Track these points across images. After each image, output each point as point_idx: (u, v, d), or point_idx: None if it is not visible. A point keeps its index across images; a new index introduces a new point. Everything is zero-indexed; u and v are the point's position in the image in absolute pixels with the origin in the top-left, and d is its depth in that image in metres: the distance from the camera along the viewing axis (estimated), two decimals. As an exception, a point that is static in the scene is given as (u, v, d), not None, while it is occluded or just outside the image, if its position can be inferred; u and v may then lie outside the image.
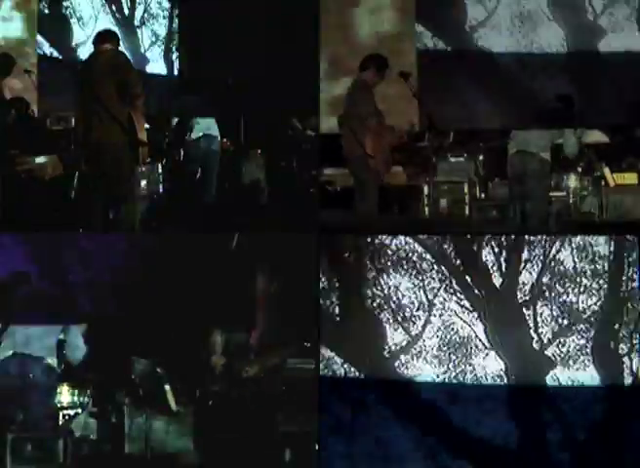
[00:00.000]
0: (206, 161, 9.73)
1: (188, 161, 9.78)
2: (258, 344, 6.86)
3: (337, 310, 7.94)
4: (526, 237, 8.00)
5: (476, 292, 7.91)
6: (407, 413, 7.68)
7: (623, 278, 7.78)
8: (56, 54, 11.63)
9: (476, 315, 7.87)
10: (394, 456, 7.60)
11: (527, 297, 7.88)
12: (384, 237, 7.92)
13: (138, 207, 8.38)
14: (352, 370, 7.80)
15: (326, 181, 9.89)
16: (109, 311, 7.72)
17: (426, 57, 11.23)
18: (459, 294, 7.90)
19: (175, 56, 12.27)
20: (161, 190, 9.58)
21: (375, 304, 7.91)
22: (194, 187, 9.65)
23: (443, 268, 7.92)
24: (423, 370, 7.83)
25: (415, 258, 7.91)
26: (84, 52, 10.58)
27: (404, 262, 7.91)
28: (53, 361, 7.26)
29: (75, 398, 7.32)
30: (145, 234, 8.32)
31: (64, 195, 8.93)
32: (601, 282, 7.79)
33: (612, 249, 7.80)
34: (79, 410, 7.33)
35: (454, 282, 7.91)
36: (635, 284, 7.75)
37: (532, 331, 7.86)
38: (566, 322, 7.81)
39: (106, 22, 11.62)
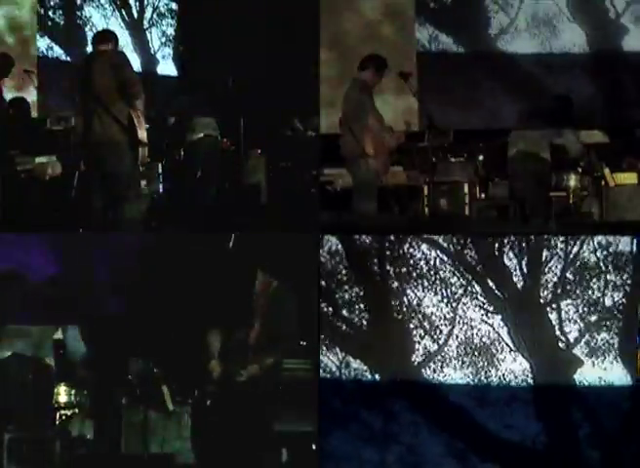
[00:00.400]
0: (206, 161, 9.73)
1: (188, 161, 9.79)
2: (255, 344, 6.84)
3: (363, 321, 7.96)
4: (545, 236, 8.00)
5: (498, 294, 7.92)
6: (435, 419, 7.70)
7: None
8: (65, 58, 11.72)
9: (499, 317, 7.88)
10: (424, 462, 7.62)
11: (550, 297, 7.88)
12: (407, 246, 7.93)
13: (139, 207, 8.37)
14: (380, 378, 7.81)
15: (326, 181, 9.87)
16: (107, 311, 7.72)
17: (445, 60, 11.24)
18: (481, 298, 7.91)
19: (176, 56, 12.31)
20: (161, 190, 9.58)
21: (400, 313, 7.92)
22: (194, 187, 9.66)
23: (464, 272, 7.92)
24: (450, 375, 7.85)
25: (437, 264, 7.92)
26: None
27: (426, 270, 7.91)
28: (50, 361, 7.24)
29: (72, 398, 7.32)
30: (145, 234, 8.31)
31: (64, 195, 8.94)
32: (625, 277, 7.78)
33: (635, 244, 7.79)
34: (76, 411, 7.34)
35: (475, 286, 7.92)
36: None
37: (557, 330, 7.85)
38: (593, 318, 7.81)
39: (116, 26, 11.69)
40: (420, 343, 7.92)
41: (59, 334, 7.37)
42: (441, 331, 7.93)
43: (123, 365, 7.36)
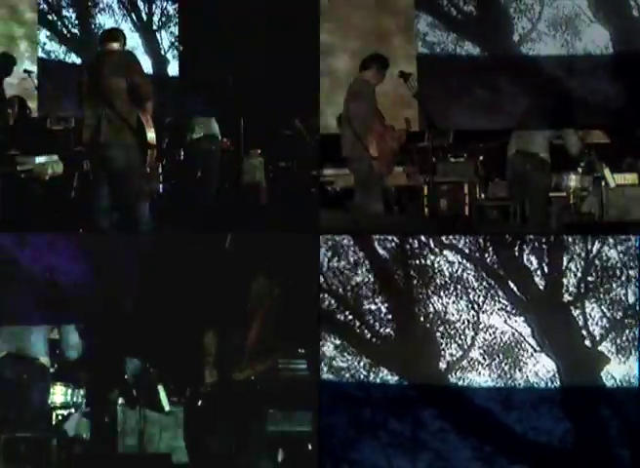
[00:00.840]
0: (206, 161, 9.73)
1: (188, 161, 9.79)
2: (253, 346, 6.83)
3: (388, 330, 7.95)
4: (564, 236, 7.99)
5: (520, 295, 7.90)
6: (463, 423, 7.68)
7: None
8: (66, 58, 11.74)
9: (522, 319, 7.86)
10: (453, 467, 7.61)
11: (572, 296, 7.87)
12: (426, 253, 7.92)
13: (146, 208, 8.36)
14: (407, 384, 7.81)
15: (326, 181, 9.88)
16: (105, 311, 7.71)
17: (468, 64, 11.19)
18: (503, 301, 7.90)
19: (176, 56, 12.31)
20: (161, 190, 9.59)
21: (426, 321, 7.91)
22: (194, 187, 9.66)
23: (485, 275, 7.91)
24: (476, 379, 7.84)
25: (459, 271, 7.90)
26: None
27: (448, 276, 7.90)
28: (46, 361, 7.24)
29: (68, 398, 7.32)
30: (145, 234, 8.30)
31: (64, 195, 8.95)
32: (640, 273, 7.77)
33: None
34: (72, 410, 7.34)
35: (497, 288, 7.90)
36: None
37: (582, 328, 7.83)
38: (619, 315, 7.78)
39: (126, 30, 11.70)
40: (445, 350, 7.92)
41: (54, 334, 7.36)
42: (465, 336, 7.92)
43: (119, 365, 7.36)
